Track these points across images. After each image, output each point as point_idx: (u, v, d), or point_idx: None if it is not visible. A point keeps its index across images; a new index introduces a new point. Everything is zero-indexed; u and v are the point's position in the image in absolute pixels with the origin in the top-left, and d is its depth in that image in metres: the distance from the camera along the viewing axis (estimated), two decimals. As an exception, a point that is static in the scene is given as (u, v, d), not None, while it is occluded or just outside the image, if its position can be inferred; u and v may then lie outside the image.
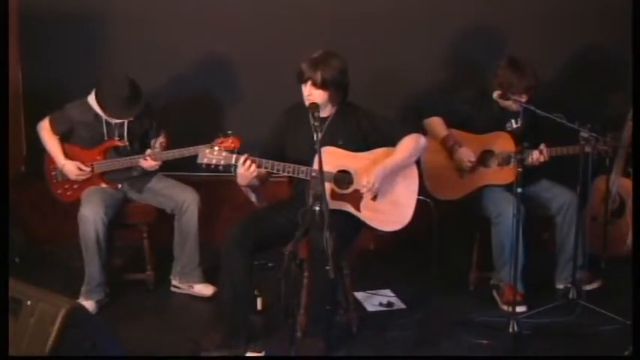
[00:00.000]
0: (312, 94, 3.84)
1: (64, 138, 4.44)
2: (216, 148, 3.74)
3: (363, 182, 3.86)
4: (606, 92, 5.18)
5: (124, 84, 4.28)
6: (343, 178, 3.91)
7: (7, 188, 3.42)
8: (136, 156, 4.41)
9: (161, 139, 4.51)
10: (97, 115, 4.37)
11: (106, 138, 4.40)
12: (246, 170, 3.72)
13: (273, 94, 4.69)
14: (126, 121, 4.40)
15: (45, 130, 4.44)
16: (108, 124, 4.39)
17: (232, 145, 4.01)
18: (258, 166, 3.75)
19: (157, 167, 4.39)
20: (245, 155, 3.73)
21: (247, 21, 5.07)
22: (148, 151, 4.41)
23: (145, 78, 4.46)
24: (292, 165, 3.81)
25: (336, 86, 3.88)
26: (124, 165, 4.43)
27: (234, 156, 3.72)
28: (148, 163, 4.36)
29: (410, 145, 3.95)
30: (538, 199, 4.45)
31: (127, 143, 4.43)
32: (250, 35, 5.07)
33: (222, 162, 3.71)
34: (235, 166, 3.72)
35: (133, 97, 4.31)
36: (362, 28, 5.08)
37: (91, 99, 4.38)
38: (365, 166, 3.90)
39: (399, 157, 3.93)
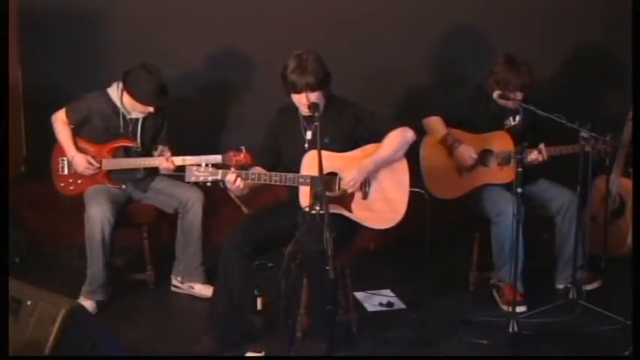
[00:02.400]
0: (310, 99, 3.80)
1: (78, 129, 4.43)
2: (204, 165, 3.77)
3: (349, 180, 3.85)
4: (606, 92, 5.18)
5: (157, 73, 4.34)
6: (331, 180, 3.89)
7: (7, 188, 3.42)
8: (151, 158, 4.39)
9: (167, 153, 4.46)
10: (115, 106, 4.38)
11: (121, 130, 4.40)
12: (232, 185, 3.76)
13: (270, 94, 4.68)
14: (141, 118, 4.41)
15: (60, 120, 4.43)
16: (124, 117, 4.40)
17: (244, 160, 4.08)
18: (245, 179, 3.77)
19: (172, 171, 4.36)
20: (231, 170, 3.77)
21: (245, 20, 5.07)
22: (167, 154, 4.37)
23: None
24: (279, 174, 3.82)
25: (327, 80, 3.86)
26: (132, 165, 4.42)
27: (221, 172, 3.77)
28: (167, 164, 4.31)
29: (396, 139, 3.90)
30: (538, 199, 4.45)
31: (138, 145, 4.43)
32: (248, 35, 5.07)
33: (209, 178, 3.76)
34: (224, 181, 3.77)
35: (163, 86, 4.36)
36: (359, 26, 5.08)
37: (112, 91, 4.39)
38: (352, 165, 3.87)
39: (385, 151, 3.88)
